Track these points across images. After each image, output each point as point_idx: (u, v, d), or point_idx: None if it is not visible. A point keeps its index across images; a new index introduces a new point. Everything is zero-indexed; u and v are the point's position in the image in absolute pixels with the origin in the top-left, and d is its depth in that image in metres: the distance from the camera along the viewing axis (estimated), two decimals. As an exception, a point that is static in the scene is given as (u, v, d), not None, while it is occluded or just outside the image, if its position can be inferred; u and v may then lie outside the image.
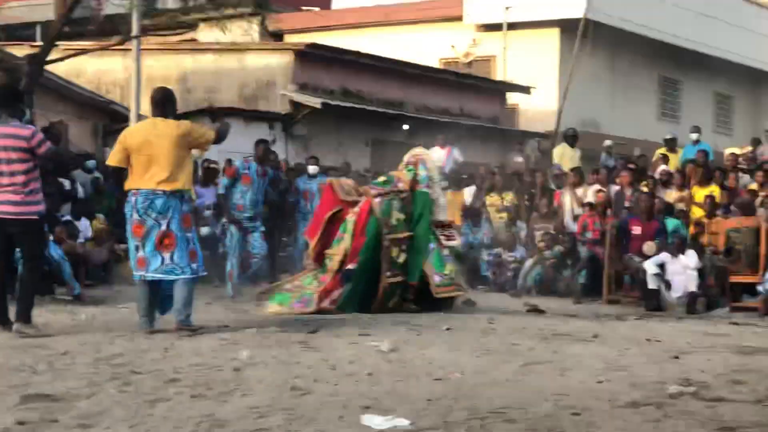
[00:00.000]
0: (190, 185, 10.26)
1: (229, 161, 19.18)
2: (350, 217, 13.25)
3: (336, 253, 13.11)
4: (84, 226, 16.43)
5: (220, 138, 10.50)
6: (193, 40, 30.44)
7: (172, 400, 6.71)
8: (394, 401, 6.80)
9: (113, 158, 10.19)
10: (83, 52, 23.52)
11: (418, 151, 14.31)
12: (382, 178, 14.23)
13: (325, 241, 13.43)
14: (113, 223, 17.32)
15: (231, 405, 6.58)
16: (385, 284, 12.92)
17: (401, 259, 13.07)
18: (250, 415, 6.30)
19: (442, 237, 13.67)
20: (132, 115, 22.85)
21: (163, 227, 9.82)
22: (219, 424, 6.04)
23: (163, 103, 10.25)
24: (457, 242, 14.16)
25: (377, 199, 13.23)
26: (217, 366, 8.01)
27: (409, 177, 13.60)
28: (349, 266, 12.91)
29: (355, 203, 13.41)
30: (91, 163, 18.73)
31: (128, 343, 9.23)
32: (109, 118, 24.65)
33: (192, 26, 31.57)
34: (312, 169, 17.44)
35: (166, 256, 9.84)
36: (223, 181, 15.35)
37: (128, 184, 10.02)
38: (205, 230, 17.14)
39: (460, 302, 13.83)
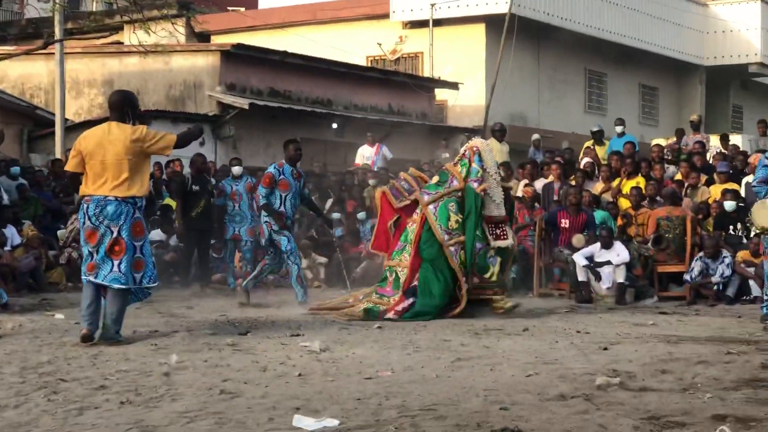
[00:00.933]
0: (145, 192, 9.98)
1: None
2: (410, 227, 12.91)
3: (396, 264, 12.80)
4: (10, 233, 16.21)
5: (183, 141, 10.10)
6: (118, 42, 30.19)
7: (100, 407, 6.65)
8: (324, 401, 6.81)
9: (69, 164, 9.90)
10: (6, 56, 23.28)
11: (476, 141, 13.53)
12: (435, 179, 13.35)
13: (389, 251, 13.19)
14: (39, 230, 17.13)
15: (160, 411, 6.54)
16: (465, 291, 12.47)
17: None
18: (179, 420, 6.27)
19: (491, 236, 12.94)
20: (57, 120, 22.67)
21: (114, 234, 9.60)
22: (148, 430, 6.00)
23: (120, 106, 9.83)
24: (509, 241, 13.05)
25: (431, 208, 12.73)
26: (146, 371, 7.95)
27: (462, 171, 12.97)
28: (413, 283, 12.53)
29: (411, 209, 13.06)
30: (15, 169, 18.43)
31: (56, 351, 9.13)
32: (34, 123, 24.40)
33: (116, 29, 31.31)
34: (236, 170, 17.27)
35: (116, 262, 9.62)
36: (260, 190, 14.31)
37: (81, 191, 9.75)
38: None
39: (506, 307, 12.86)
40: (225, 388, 7.26)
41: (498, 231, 12.99)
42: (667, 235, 16.12)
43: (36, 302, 14.16)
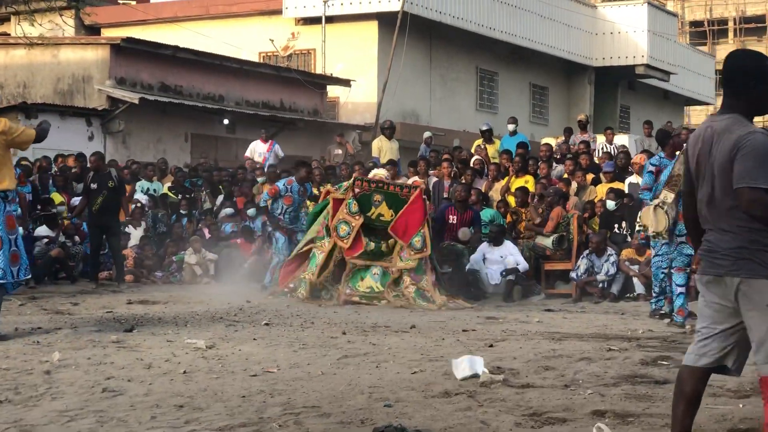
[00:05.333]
0: (13, 186, 9.84)
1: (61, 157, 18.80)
2: None
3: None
4: None
5: (40, 137, 10.17)
6: (5, 34, 29.62)
7: (-22, 406, 6.55)
8: (208, 399, 6.78)
9: None
10: None
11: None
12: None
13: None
14: None
15: (40, 409, 6.45)
16: None
17: None
18: (59, 419, 6.20)
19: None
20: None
21: None
22: (26, 429, 5.92)
23: None
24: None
25: None
26: (27, 369, 7.83)
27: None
28: None
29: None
30: None
31: (-66, 349, 8.95)
32: None
33: (3, 20, 30.73)
34: None
35: None
36: (264, 195, 16.89)
37: None
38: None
39: None
40: (107, 386, 7.19)
41: None
42: (569, 234, 16.29)
43: None
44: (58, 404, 6.60)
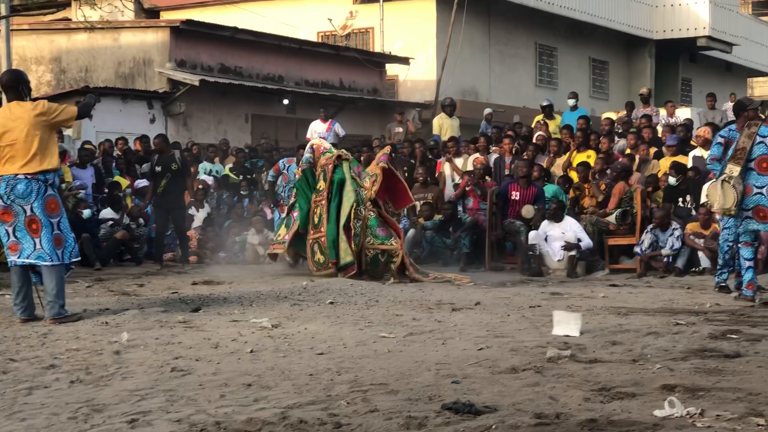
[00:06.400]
0: (56, 166, 9.93)
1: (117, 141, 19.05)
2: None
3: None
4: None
5: (83, 112, 10.28)
6: (67, 19, 29.88)
7: (50, 386, 6.60)
8: (276, 377, 6.80)
9: None
10: (-49, 34, 22.93)
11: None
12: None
13: None
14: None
15: (111, 389, 6.51)
16: None
17: None
18: (130, 398, 6.24)
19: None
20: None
21: (29, 212, 9.58)
22: (98, 408, 5.96)
23: (15, 85, 9.86)
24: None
25: None
26: (97, 350, 7.90)
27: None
28: None
29: None
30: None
31: (5, 330, 9.06)
32: (-19, 101, 24.09)
33: (64, 5, 30.99)
34: None
35: (37, 240, 9.60)
36: (270, 171, 18.61)
37: None
38: (86, 213, 16.97)
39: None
40: (176, 365, 7.23)
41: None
42: (633, 210, 16.15)
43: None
44: (128, 383, 6.65)
